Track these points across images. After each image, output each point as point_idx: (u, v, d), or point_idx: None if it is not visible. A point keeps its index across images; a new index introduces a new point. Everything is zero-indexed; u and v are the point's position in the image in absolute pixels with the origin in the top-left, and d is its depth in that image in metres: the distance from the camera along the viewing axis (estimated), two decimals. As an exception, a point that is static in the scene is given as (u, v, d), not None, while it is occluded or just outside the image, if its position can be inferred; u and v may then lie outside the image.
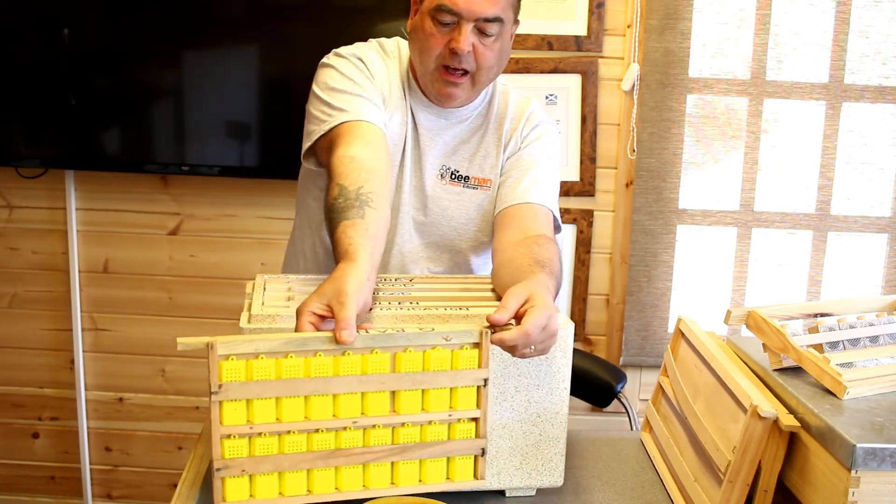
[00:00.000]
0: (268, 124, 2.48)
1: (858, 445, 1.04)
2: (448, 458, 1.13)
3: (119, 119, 2.48)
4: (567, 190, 2.53)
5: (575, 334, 1.29)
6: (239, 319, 1.20)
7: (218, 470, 1.04)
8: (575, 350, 1.31)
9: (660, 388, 1.50)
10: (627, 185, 2.54)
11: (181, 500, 1.27)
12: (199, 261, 2.62)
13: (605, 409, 2.16)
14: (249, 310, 1.23)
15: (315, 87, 1.51)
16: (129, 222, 2.61)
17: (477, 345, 1.10)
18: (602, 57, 2.47)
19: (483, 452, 1.13)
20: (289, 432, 1.06)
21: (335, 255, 1.21)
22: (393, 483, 1.12)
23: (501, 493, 1.30)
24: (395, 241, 1.55)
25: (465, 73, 1.45)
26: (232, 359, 1.05)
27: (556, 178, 1.60)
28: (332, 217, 1.27)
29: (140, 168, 2.52)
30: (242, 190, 2.54)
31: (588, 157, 2.51)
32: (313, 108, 1.49)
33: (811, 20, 2.46)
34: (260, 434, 1.05)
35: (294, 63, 2.37)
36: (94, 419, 2.73)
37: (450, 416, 1.11)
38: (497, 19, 1.41)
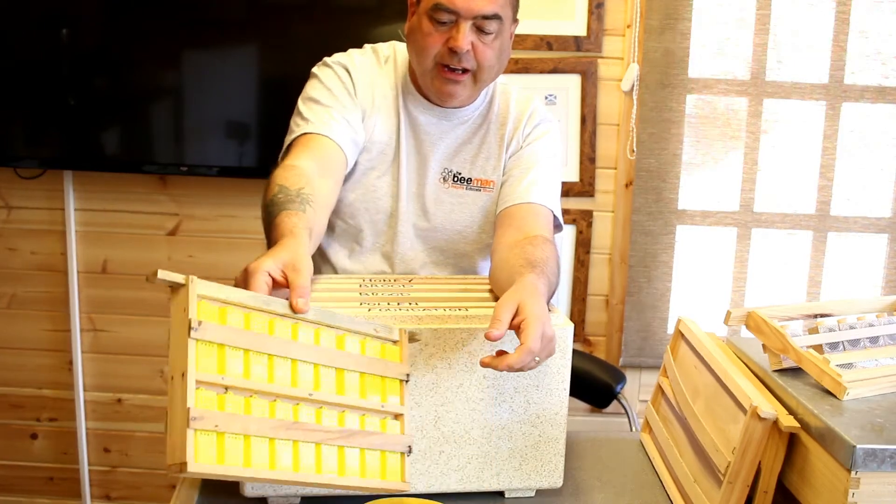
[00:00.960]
0: (267, 125, 2.47)
1: (858, 446, 1.03)
2: (381, 452, 1.12)
3: (118, 119, 2.48)
4: (567, 190, 2.52)
5: (574, 335, 1.28)
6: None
7: (194, 419, 0.96)
8: (574, 351, 1.31)
9: (659, 388, 1.49)
10: (627, 186, 2.53)
11: (180, 502, 1.27)
12: (197, 261, 2.62)
13: (604, 410, 2.16)
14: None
15: (300, 98, 1.53)
16: (128, 223, 2.61)
17: (397, 342, 1.14)
18: (602, 57, 2.47)
19: (409, 451, 1.15)
20: (253, 395, 1.03)
21: (272, 238, 1.20)
22: (340, 470, 1.09)
23: (501, 494, 1.30)
24: (395, 249, 1.55)
25: (466, 71, 1.44)
26: (205, 301, 1.02)
27: (558, 177, 1.60)
28: (271, 210, 1.26)
29: (139, 168, 2.51)
30: (241, 190, 2.54)
31: (587, 158, 2.51)
32: (292, 119, 1.52)
33: (811, 20, 2.46)
34: (227, 389, 1.00)
35: (293, 63, 2.35)
36: (92, 420, 2.73)
37: (382, 407, 1.13)
38: (496, 17, 1.41)
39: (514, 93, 1.59)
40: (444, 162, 1.55)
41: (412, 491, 1.26)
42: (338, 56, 1.56)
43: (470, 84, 1.47)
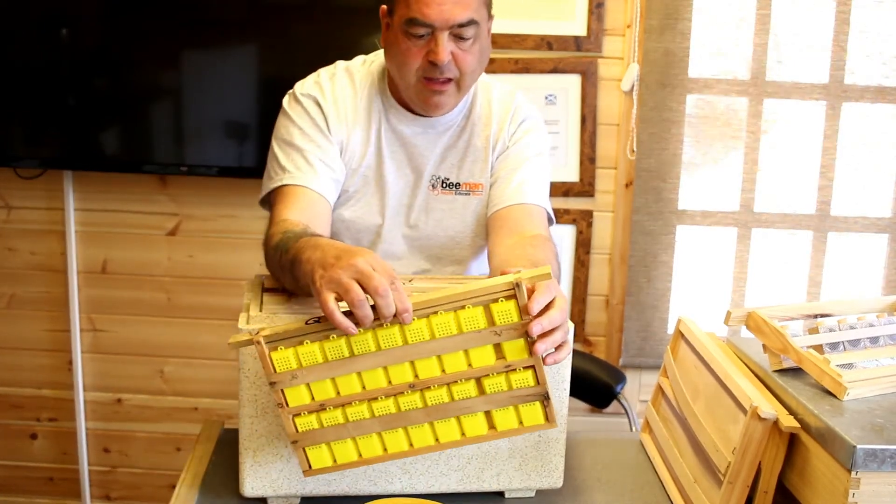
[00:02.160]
0: (267, 125, 2.42)
1: (858, 446, 1.03)
2: (515, 407, 1.14)
3: (118, 119, 2.48)
4: (566, 190, 2.52)
5: (574, 335, 1.28)
6: (238, 320, 1.20)
7: (295, 442, 1.13)
8: (574, 351, 1.31)
9: (659, 389, 1.49)
10: (627, 186, 2.53)
11: (180, 502, 1.27)
12: (197, 261, 2.62)
13: (604, 411, 2.16)
14: (248, 310, 1.23)
15: (273, 137, 1.51)
16: (128, 223, 2.61)
17: (512, 296, 1.08)
18: (602, 57, 2.47)
19: (547, 398, 1.13)
20: (350, 403, 1.12)
21: (299, 262, 1.15)
22: (463, 434, 1.15)
23: (501, 494, 1.30)
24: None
25: (449, 80, 1.42)
26: (280, 349, 1.08)
27: (547, 173, 1.57)
28: (283, 246, 1.23)
29: (139, 168, 2.51)
30: (241, 190, 2.54)
31: (587, 158, 2.51)
32: (269, 161, 1.50)
33: (811, 20, 2.46)
34: (325, 408, 1.11)
35: (293, 63, 2.36)
36: (92, 420, 2.72)
37: (507, 367, 1.11)
38: (471, 22, 1.38)
39: (495, 91, 1.56)
40: (431, 169, 1.53)
41: (412, 491, 1.26)
42: (308, 86, 1.51)
43: (454, 92, 1.44)
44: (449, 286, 1.11)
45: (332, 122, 1.49)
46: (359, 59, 1.56)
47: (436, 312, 1.08)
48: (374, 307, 1.04)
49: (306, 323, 1.08)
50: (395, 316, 1.05)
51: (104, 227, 2.61)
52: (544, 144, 1.58)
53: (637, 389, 2.65)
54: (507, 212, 1.49)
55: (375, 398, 1.11)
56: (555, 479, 1.29)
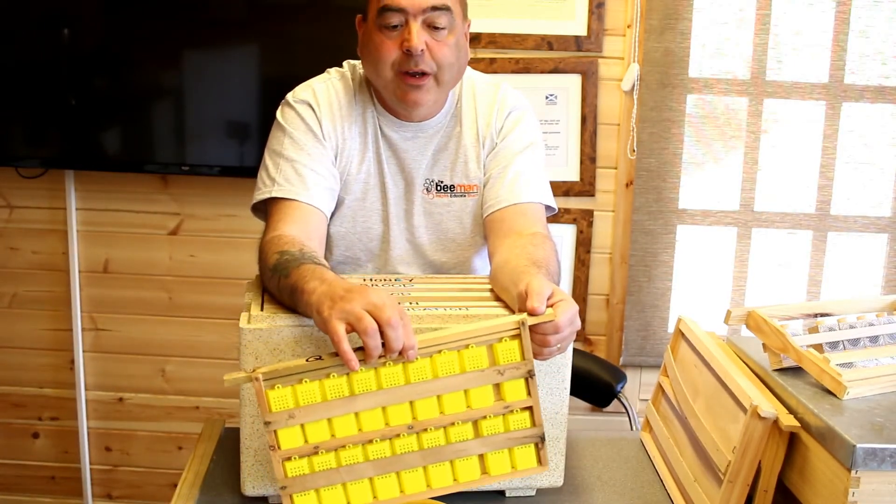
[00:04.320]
0: (268, 124, 2.43)
1: (858, 446, 1.04)
2: (509, 450, 1.14)
3: (119, 119, 2.48)
4: (567, 190, 2.53)
5: (575, 334, 1.29)
6: (239, 319, 1.20)
7: (283, 488, 1.09)
8: (575, 350, 1.31)
9: (660, 388, 1.50)
10: (627, 185, 2.54)
11: (181, 500, 1.27)
12: (199, 261, 2.62)
13: (605, 409, 2.16)
14: (249, 310, 1.23)
15: (266, 147, 1.50)
16: (129, 222, 2.61)
17: (516, 336, 1.10)
18: (602, 57, 2.47)
19: (542, 440, 1.13)
20: (344, 446, 1.09)
21: (302, 287, 1.15)
22: (455, 480, 1.14)
23: (501, 493, 1.30)
24: (392, 269, 1.54)
25: (426, 74, 1.40)
26: (278, 387, 1.07)
27: (540, 162, 1.55)
28: (282, 271, 1.22)
29: (140, 168, 2.52)
30: (242, 190, 2.53)
31: (588, 157, 2.51)
32: (260, 170, 1.50)
33: (811, 20, 2.46)
34: (318, 452, 1.09)
35: (294, 63, 2.36)
36: (94, 419, 2.73)
37: (505, 408, 1.12)
38: (444, 7, 1.38)
39: (479, 85, 1.55)
40: (425, 173, 1.52)
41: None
42: (300, 93, 1.50)
43: (433, 87, 1.42)
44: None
45: (326, 126, 1.47)
46: (350, 64, 1.56)
47: (439, 351, 1.09)
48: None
49: (307, 360, 1.08)
50: (400, 353, 1.06)
51: (106, 227, 2.61)
52: (534, 133, 1.55)
53: (637, 388, 2.66)
54: (502, 214, 1.47)
55: (371, 441, 1.10)
56: (555, 478, 1.29)
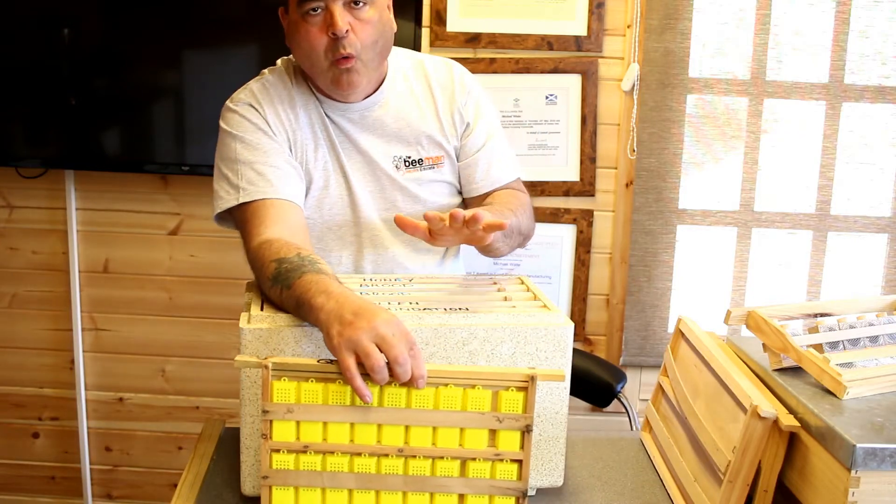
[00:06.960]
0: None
1: (858, 445, 1.04)
2: (490, 497, 1.13)
3: (119, 119, 2.48)
4: (567, 190, 2.53)
5: (575, 334, 1.29)
6: (239, 319, 1.20)
7: (265, 478, 1.10)
8: (575, 350, 1.31)
9: (660, 388, 1.50)
10: (627, 185, 2.54)
11: (181, 500, 1.27)
12: (199, 261, 2.63)
13: (605, 409, 2.16)
14: (249, 310, 1.23)
15: (216, 158, 1.49)
16: (129, 222, 2.61)
17: (524, 388, 1.10)
18: (602, 57, 2.47)
19: (524, 495, 1.13)
20: (333, 453, 1.10)
21: (310, 307, 1.14)
22: None
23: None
24: (371, 251, 1.54)
25: (352, 56, 1.41)
26: (284, 379, 1.08)
27: (504, 138, 1.62)
28: (283, 280, 1.22)
29: (140, 168, 2.52)
30: (242, 190, 2.54)
31: (588, 157, 2.51)
32: (216, 181, 1.48)
33: (811, 20, 2.46)
34: (306, 451, 1.09)
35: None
36: (94, 419, 2.73)
37: (496, 455, 1.12)
38: None
39: (429, 64, 1.58)
40: (390, 150, 1.53)
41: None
42: (239, 96, 1.51)
43: (362, 68, 1.43)
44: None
45: (272, 121, 1.48)
46: (284, 59, 1.56)
47: (446, 384, 1.09)
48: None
49: (318, 361, 1.08)
50: (409, 381, 1.07)
51: (106, 227, 2.61)
52: (492, 110, 1.61)
53: (637, 388, 2.66)
54: (481, 197, 1.57)
55: (360, 454, 1.10)
56: (555, 478, 1.29)
